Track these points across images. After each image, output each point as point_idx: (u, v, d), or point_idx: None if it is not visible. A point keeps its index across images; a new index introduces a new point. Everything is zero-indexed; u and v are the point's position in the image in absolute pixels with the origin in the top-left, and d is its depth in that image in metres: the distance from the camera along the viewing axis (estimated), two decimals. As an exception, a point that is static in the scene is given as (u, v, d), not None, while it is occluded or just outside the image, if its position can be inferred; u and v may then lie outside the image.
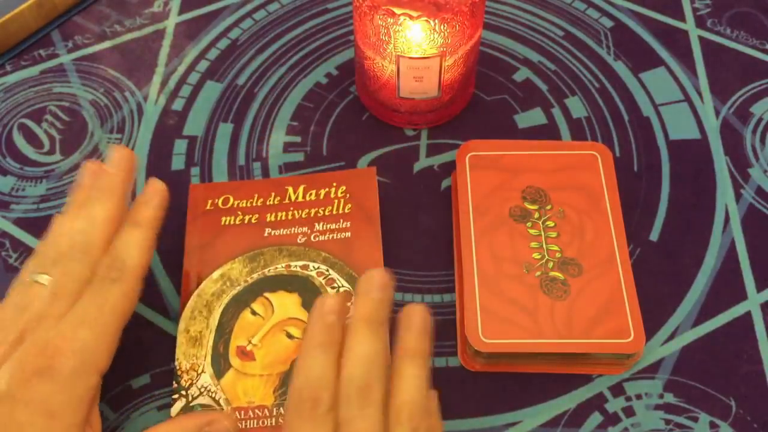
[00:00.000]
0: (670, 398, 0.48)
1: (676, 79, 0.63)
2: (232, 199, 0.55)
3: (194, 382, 0.47)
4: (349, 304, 0.41)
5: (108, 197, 0.46)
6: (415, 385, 0.37)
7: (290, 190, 0.55)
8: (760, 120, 0.60)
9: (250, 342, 0.49)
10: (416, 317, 0.39)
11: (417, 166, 0.58)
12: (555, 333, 0.47)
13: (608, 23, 0.66)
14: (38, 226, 0.55)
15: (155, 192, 0.47)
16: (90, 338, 0.41)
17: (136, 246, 0.45)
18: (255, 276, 0.51)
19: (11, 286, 0.45)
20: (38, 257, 0.45)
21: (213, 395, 0.47)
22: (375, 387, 0.37)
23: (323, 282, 0.51)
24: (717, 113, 0.61)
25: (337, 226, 0.53)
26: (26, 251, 0.54)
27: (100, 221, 0.45)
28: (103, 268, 0.44)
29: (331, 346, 0.38)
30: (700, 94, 0.62)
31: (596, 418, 0.47)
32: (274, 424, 0.46)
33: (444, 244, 0.54)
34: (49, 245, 0.45)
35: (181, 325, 0.49)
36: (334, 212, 0.54)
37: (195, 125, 0.60)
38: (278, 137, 0.60)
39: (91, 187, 0.47)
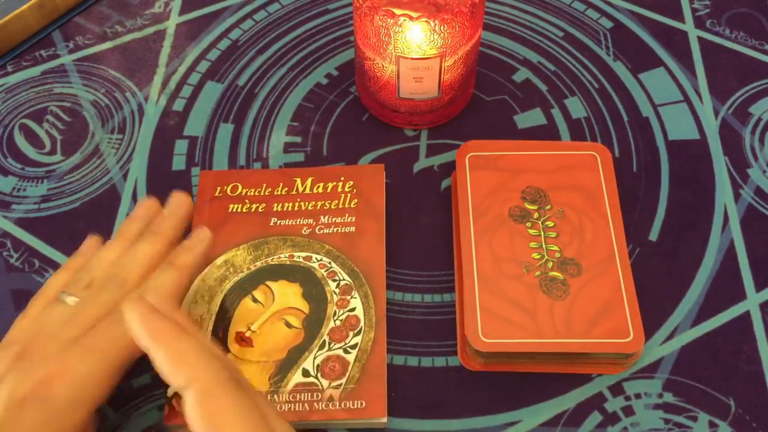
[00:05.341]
0: (669, 398, 0.48)
1: (675, 79, 0.63)
2: (240, 187, 0.55)
3: None
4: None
5: (157, 239, 0.47)
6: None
7: (298, 181, 0.55)
8: (759, 120, 0.60)
9: (249, 328, 0.49)
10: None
11: (417, 167, 0.58)
12: (554, 333, 0.47)
13: (608, 24, 0.66)
14: (39, 226, 0.56)
15: (201, 240, 0.48)
16: (94, 370, 0.40)
17: (169, 286, 0.45)
18: (258, 264, 0.52)
19: (36, 296, 0.46)
20: (73, 278, 0.46)
21: None
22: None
23: (324, 274, 0.51)
24: (716, 113, 0.61)
25: (342, 220, 0.53)
26: (27, 251, 0.55)
27: (142, 258, 0.46)
28: None
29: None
30: (699, 94, 0.62)
31: (595, 417, 0.47)
32: None
33: (444, 244, 0.54)
34: (86, 270, 0.46)
35: (183, 309, 0.50)
36: (340, 206, 0.54)
37: (196, 126, 0.61)
38: (279, 137, 0.60)
39: (140, 219, 0.49)
